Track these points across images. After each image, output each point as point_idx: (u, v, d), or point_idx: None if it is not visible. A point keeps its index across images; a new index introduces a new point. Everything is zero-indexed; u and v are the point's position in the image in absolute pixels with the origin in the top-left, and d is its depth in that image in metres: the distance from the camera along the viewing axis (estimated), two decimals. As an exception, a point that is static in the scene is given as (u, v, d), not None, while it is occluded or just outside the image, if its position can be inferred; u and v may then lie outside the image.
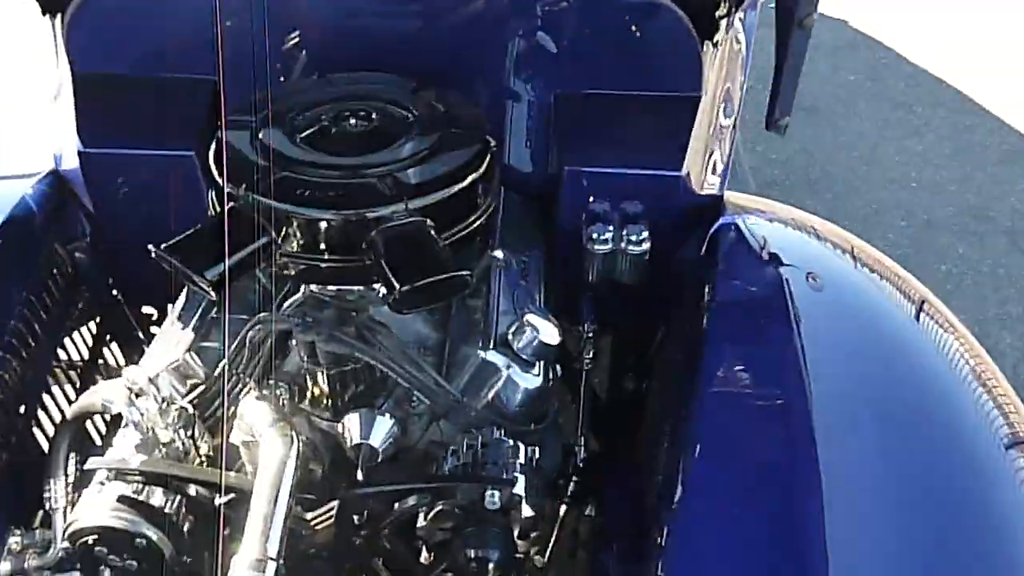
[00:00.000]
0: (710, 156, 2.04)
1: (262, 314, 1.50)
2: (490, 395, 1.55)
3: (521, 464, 1.40)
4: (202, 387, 1.53)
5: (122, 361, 2.09)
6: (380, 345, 1.44)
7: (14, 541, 1.50)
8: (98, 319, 2.07)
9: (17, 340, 1.73)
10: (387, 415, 1.47)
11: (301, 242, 1.48)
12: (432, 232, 1.45)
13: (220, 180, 1.52)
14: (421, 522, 1.39)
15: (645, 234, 1.87)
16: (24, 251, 1.89)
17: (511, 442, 1.45)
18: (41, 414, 1.81)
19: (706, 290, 1.82)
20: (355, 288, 1.53)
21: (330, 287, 1.53)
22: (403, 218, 1.45)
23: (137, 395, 1.42)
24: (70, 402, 1.83)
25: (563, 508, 1.90)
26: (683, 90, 1.94)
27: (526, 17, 1.99)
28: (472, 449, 1.44)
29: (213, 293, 1.39)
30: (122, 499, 1.34)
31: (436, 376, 1.47)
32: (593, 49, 2.00)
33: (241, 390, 1.55)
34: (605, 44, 1.98)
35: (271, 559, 1.15)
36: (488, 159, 1.62)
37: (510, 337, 1.58)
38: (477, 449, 1.44)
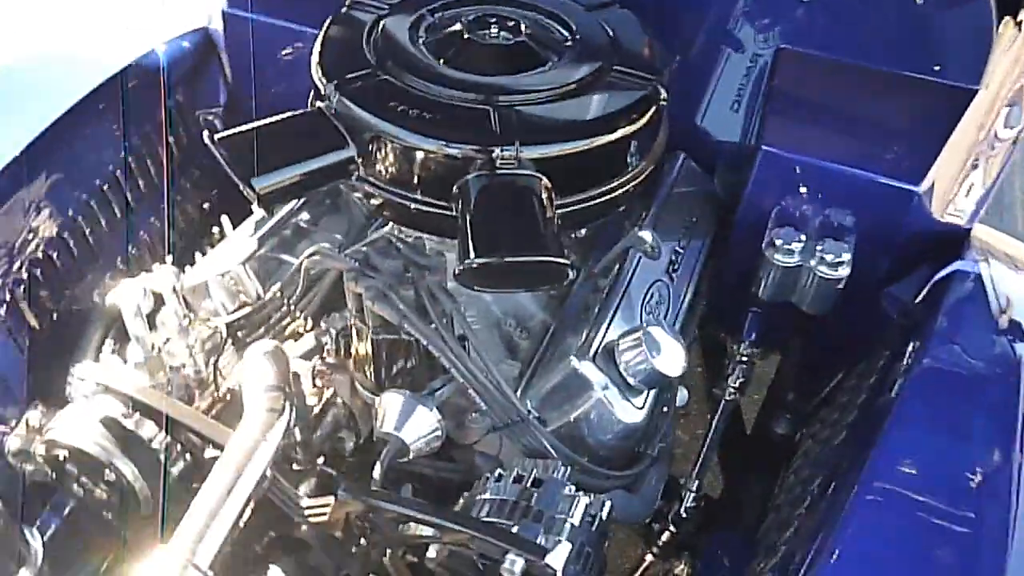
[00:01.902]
0: (968, 174, 1.51)
1: (321, 244, 1.22)
2: (573, 417, 1.20)
3: (574, 525, 1.05)
4: (248, 309, 1.29)
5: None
6: (437, 321, 1.11)
7: (33, 416, 1.34)
8: (214, 192, 1.90)
9: (110, 190, 1.57)
10: (433, 408, 1.16)
11: (388, 169, 1.17)
12: (545, 196, 1.09)
13: (315, 70, 1.23)
14: (431, 552, 1.09)
15: (847, 256, 1.41)
16: (147, 104, 1.72)
17: (571, 489, 1.09)
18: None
19: (911, 348, 1.35)
20: (436, 241, 1.21)
21: (410, 232, 1.22)
22: (511, 167, 1.10)
23: (158, 304, 1.19)
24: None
25: (648, 558, 1.55)
26: (954, 78, 1.42)
27: None
28: (520, 484, 1.10)
29: (260, 207, 1.11)
30: (106, 422, 1.13)
31: (498, 378, 1.14)
32: (846, 2, 1.51)
33: (289, 323, 1.30)
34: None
35: (196, 568, 0.89)
36: (651, 112, 1.22)
37: (618, 351, 1.21)
38: (526, 485, 1.10)
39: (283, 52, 1.75)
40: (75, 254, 1.48)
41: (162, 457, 1.15)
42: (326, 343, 1.27)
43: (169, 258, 1.49)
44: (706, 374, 1.94)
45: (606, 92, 1.21)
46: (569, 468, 1.14)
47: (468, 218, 1.07)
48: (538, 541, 1.01)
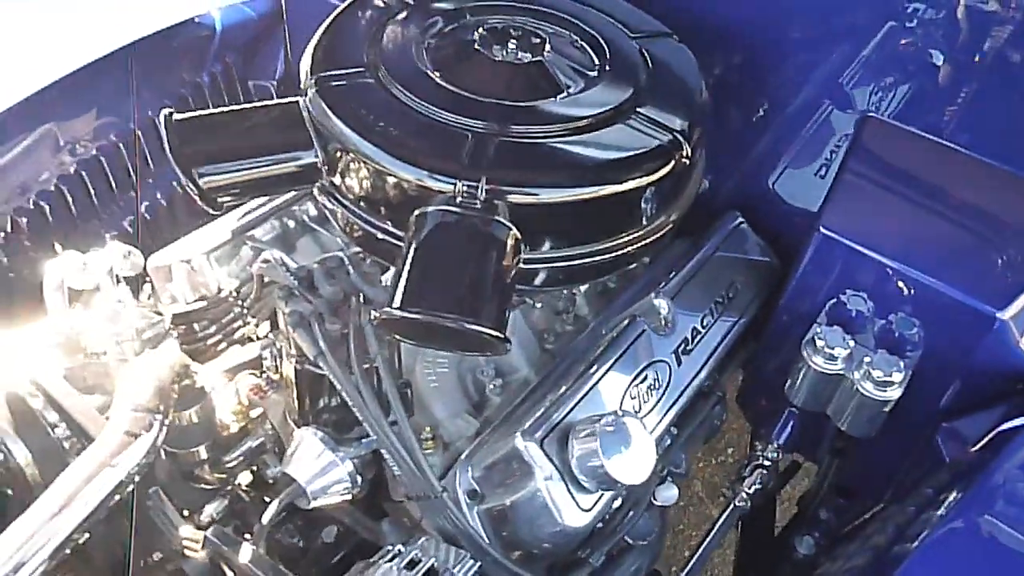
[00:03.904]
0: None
1: (271, 251, 1.10)
2: (507, 501, 1.03)
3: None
4: (202, 304, 1.19)
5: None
6: (358, 364, 0.97)
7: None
8: None
9: (124, 145, 1.51)
10: (347, 460, 1.02)
11: (352, 183, 1.03)
12: (510, 246, 0.93)
13: (305, 59, 1.10)
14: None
15: (898, 376, 1.17)
16: (190, 64, 1.66)
17: (470, 593, 0.93)
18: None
19: (952, 497, 1.10)
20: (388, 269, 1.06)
21: (363, 254, 1.08)
22: (472, 207, 0.94)
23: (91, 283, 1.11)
24: None
25: None
26: None
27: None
28: (415, 569, 0.94)
29: (202, 203, 1.00)
30: (10, 397, 1.05)
31: (415, 444, 0.98)
32: (982, 81, 1.25)
33: (239, 327, 1.19)
34: (1003, 80, 1.23)
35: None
36: (668, 167, 1.02)
37: (572, 437, 1.03)
38: (420, 574, 0.94)
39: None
40: (73, 209, 1.43)
41: (67, 444, 1.07)
42: (266, 358, 1.15)
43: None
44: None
45: (616, 136, 1.02)
46: (479, 564, 0.97)
47: (410, 257, 0.92)
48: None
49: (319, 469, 1.02)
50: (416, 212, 0.95)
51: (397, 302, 0.87)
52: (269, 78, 1.78)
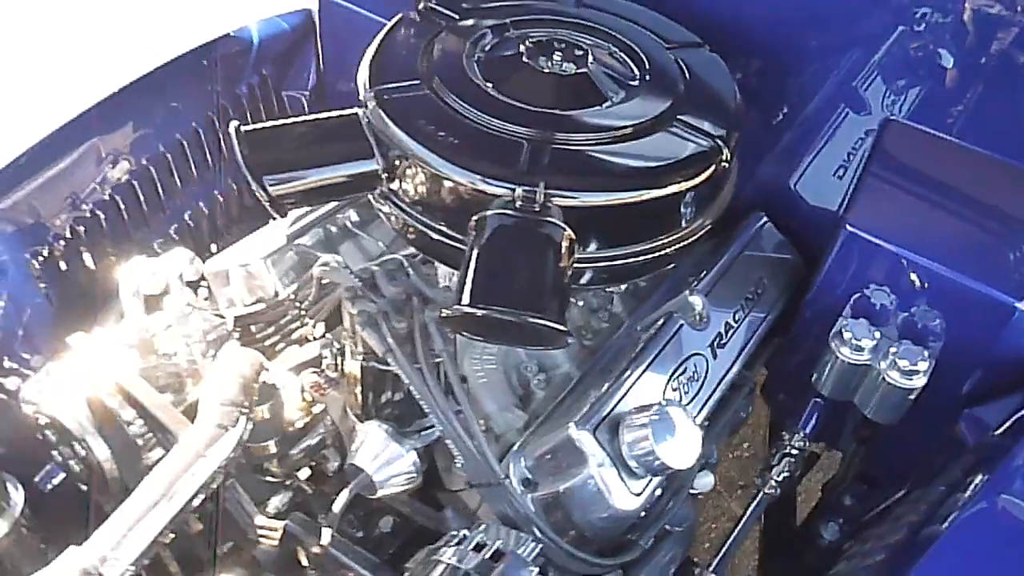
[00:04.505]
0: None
1: (331, 255, 1.16)
2: (561, 488, 1.09)
3: (528, 615, 0.95)
4: (261, 306, 1.25)
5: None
6: (427, 359, 1.03)
7: (54, 367, 1.35)
8: None
9: (172, 157, 1.57)
10: (411, 452, 1.08)
11: (410, 188, 1.09)
12: (565, 247, 0.99)
13: (362, 72, 1.17)
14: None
15: (923, 365, 1.24)
16: (230, 77, 1.72)
17: (534, 573, 0.99)
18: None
19: (977, 480, 1.17)
20: (449, 271, 1.13)
21: (424, 258, 1.14)
22: (531, 210, 1.00)
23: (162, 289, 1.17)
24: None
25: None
26: None
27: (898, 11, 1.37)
28: (482, 551, 1.00)
29: (272, 209, 1.06)
30: (90, 398, 1.11)
31: (478, 433, 1.05)
32: (992, 81, 1.32)
33: (298, 327, 1.26)
34: (1012, 79, 1.29)
35: (98, 572, 0.84)
36: (709, 170, 1.09)
37: (623, 426, 1.09)
38: (486, 556, 1.00)
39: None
40: (126, 217, 1.49)
41: (141, 441, 1.13)
42: (326, 357, 1.21)
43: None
44: (760, 452, 1.78)
45: (661, 142, 1.09)
46: (540, 546, 1.03)
47: (474, 258, 0.98)
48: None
49: (385, 460, 1.08)
50: (476, 216, 1.01)
51: (465, 299, 0.93)
52: (301, 88, 1.84)
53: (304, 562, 1.04)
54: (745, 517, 1.49)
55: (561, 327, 0.92)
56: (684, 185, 1.06)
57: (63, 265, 1.39)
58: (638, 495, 1.09)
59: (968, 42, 1.38)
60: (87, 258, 1.44)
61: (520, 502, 1.06)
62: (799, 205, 1.52)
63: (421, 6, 1.29)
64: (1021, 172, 1.26)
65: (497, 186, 1.01)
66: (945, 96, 1.40)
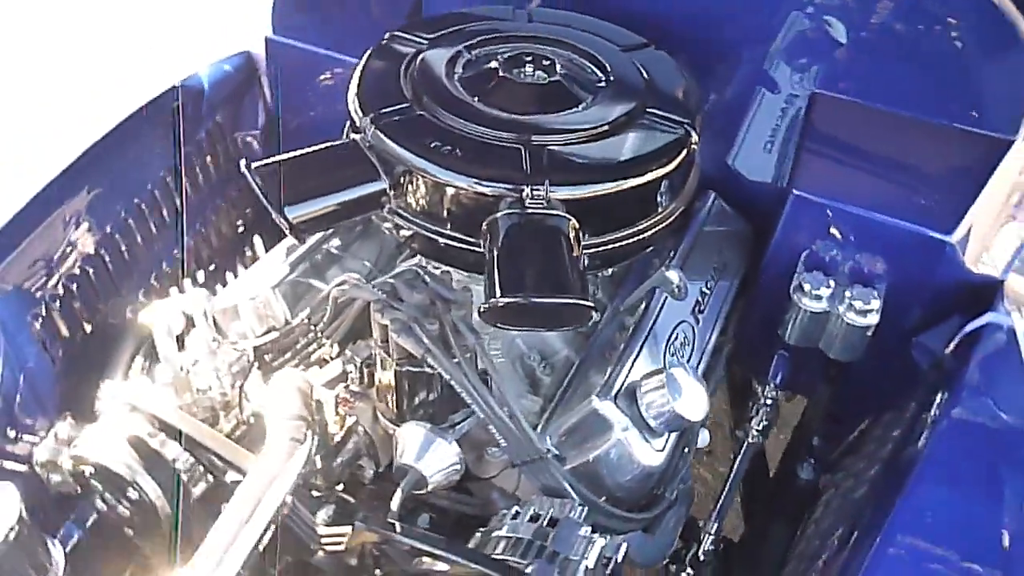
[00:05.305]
0: (1002, 225, 1.49)
1: (349, 274, 1.24)
2: (591, 456, 1.20)
3: (588, 567, 1.05)
4: (276, 334, 1.31)
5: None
6: (461, 356, 1.12)
7: (62, 428, 1.36)
8: (248, 211, 1.94)
9: (147, 208, 1.60)
10: (452, 442, 1.17)
11: (418, 203, 1.18)
12: (572, 236, 1.10)
13: (351, 103, 1.25)
14: (445, 588, 1.09)
15: (876, 304, 1.40)
16: (188, 124, 1.76)
17: (587, 531, 1.09)
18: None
19: (939, 399, 1.33)
20: (463, 275, 1.22)
21: (436, 265, 1.23)
22: (540, 207, 1.11)
23: (188, 325, 1.21)
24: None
25: (662, 603, 1.54)
26: (990, 128, 1.40)
27: None
28: (536, 523, 1.10)
29: (292, 235, 1.13)
30: (132, 440, 1.15)
31: (518, 414, 1.14)
32: (882, 48, 1.50)
33: (315, 350, 1.32)
34: (900, 44, 1.48)
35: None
36: (681, 157, 1.22)
37: (640, 392, 1.21)
38: (542, 525, 1.09)
39: (321, 79, 1.79)
40: (111, 269, 1.51)
41: (184, 477, 1.17)
42: (350, 371, 1.28)
43: (187, 281, 1.53)
44: (732, 414, 1.93)
45: (638, 134, 1.21)
46: (586, 509, 1.13)
47: (495, 256, 1.08)
48: (551, 582, 1.01)
49: (431, 454, 1.16)
50: (488, 220, 1.11)
51: (498, 292, 1.03)
52: (252, 129, 1.89)
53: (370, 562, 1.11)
54: (734, 469, 1.63)
55: (589, 303, 1.03)
56: (667, 168, 1.19)
57: (61, 325, 1.41)
58: (660, 451, 1.21)
59: (856, 14, 1.56)
60: (82, 315, 1.45)
61: (562, 473, 1.16)
62: (739, 180, 1.68)
63: (387, 36, 1.38)
64: (929, 124, 1.44)
65: (505, 189, 1.12)
66: (847, 66, 1.57)
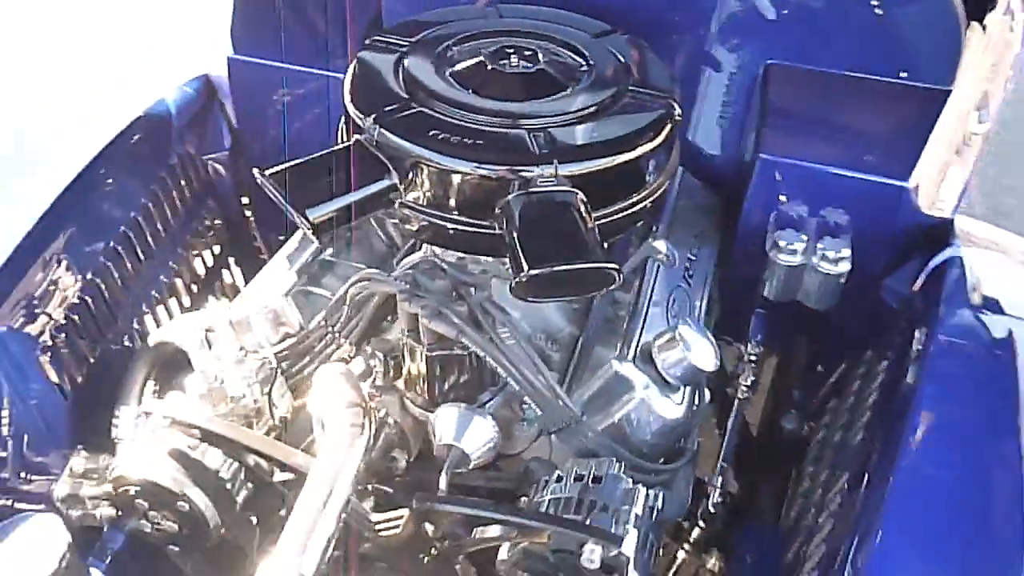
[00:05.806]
0: (948, 168, 1.63)
1: (367, 271, 1.28)
2: (617, 417, 1.27)
3: (638, 514, 1.11)
4: (292, 340, 1.33)
5: (241, 285, 1.96)
6: (492, 333, 1.17)
7: (77, 462, 1.36)
8: (223, 236, 1.94)
9: (134, 236, 1.60)
10: (488, 417, 1.22)
11: (429, 194, 1.23)
12: (584, 209, 1.17)
13: (349, 106, 1.29)
14: (503, 554, 1.13)
15: (846, 252, 1.51)
16: (159, 151, 1.77)
17: (629, 483, 1.16)
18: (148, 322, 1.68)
19: (916, 334, 1.44)
20: (480, 259, 1.27)
21: (451, 253, 1.28)
22: (550, 185, 1.17)
23: (211, 337, 1.23)
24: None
25: (680, 555, 1.61)
26: (929, 80, 1.54)
27: None
28: (581, 482, 1.16)
29: (313, 236, 1.16)
30: (173, 453, 1.16)
31: (552, 383, 1.20)
32: (823, 17, 1.62)
33: (334, 351, 1.35)
34: (839, 11, 1.60)
35: (302, 578, 0.93)
36: (668, 130, 1.30)
37: (655, 351, 1.28)
38: (587, 483, 1.16)
39: (286, 94, 1.82)
40: (107, 299, 1.51)
41: (230, 485, 1.19)
42: (375, 365, 1.31)
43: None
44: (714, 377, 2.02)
45: (627, 111, 1.29)
46: (622, 464, 1.20)
47: (515, 235, 1.14)
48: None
49: (470, 431, 1.21)
50: (501, 202, 1.17)
51: (526, 266, 1.09)
52: (220, 150, 1.90)
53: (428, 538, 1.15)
54: (730, 426, 1.72)
55: (614, 266, 1.10)
56: (660, 140, 1.27)
57: (67, 356, 1.40)
58: (680, 404, 1.29)
59: None
60: (85, 347, 1.45)
61: (596, 433, 1.22)
62: (700, 152, 1.77)
63: (368, 41, 1.43)
64: (876, 82, 1.57)
65: (515, 171, 1.18)
66: (786, 37, 1.67)
